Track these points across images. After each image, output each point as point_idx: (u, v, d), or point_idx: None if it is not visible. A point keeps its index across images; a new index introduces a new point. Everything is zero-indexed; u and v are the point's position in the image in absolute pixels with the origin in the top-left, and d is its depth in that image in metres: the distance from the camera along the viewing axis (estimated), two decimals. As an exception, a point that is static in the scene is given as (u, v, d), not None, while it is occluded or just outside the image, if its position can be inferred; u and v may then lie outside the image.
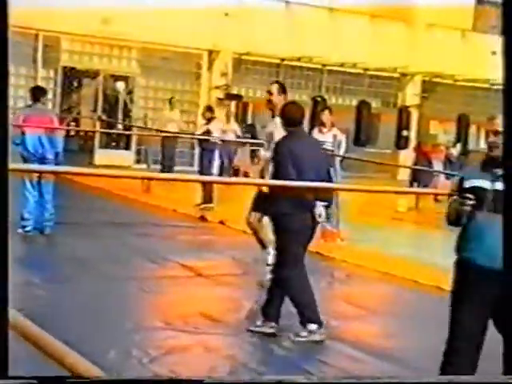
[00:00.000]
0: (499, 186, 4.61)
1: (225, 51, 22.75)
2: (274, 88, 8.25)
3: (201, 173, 15.54)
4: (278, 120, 8.09)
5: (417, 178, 17.35)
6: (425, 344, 6.50)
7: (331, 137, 12.35)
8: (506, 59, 2.70)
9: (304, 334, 6.47)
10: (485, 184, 4.65)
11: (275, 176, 6.65)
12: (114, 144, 22.81)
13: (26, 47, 20.59)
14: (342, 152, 12.15)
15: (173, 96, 20.41)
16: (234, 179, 15.56)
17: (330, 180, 6.83)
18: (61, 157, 10.61)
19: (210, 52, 22.92)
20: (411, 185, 17.15)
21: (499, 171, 4.60)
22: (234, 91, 23.16)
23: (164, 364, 5.69)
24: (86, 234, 10.80)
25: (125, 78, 22.60)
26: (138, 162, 22.19)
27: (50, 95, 19.17)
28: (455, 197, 4.70)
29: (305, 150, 6.65)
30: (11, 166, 2.47)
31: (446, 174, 16.94)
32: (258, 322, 6.64)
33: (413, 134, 25.13)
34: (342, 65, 24.51)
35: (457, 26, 24.84)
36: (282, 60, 23.82)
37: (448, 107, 25.53)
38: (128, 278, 8.37)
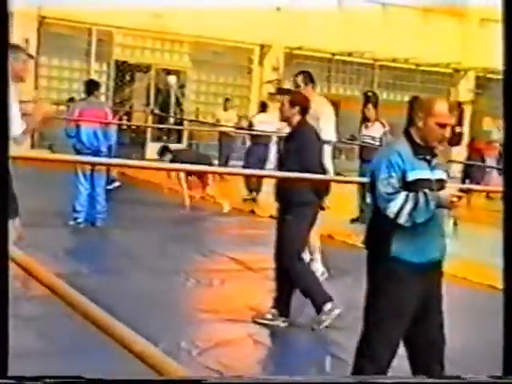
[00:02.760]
0: (439, 175, 4.48)
1: (276, 46, 22.74)
2: (300, 80, 7.96)
3: (246, 167, 15.58)
4: (322, 109, 8.02)
5: (469, 174, 17.12)
6: (477, 342, 6.43)
7: (376, 131, 12.32)
8: (506, 52, 2.63)
9: (324, 317, 6.45)
10: (429, 174, 4.42)
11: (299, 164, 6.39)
12: (165, 138, 22.95)
13: (79, 41, 20.82)
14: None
15: (228, 98, 20.17)
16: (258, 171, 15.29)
17: None
18: (113, 150, 10.73)
19: (262, 46, 22.93)
20: (463, 182, 16.92)
21: (434, 160, 4.47)
22: (286, 86, 23.13)
23: (212, 356, 5.71)
24: (137, 226, 10.88)
25: (176, 72, 22.71)
26: (189, 155, 22.28)
27: (102, 89, 19.35)
28: (431, 193, 4.30)
29: (317, 138, 6.73)
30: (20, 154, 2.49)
31: (499, 169, 16.69)
32: (269, 315, 6.61)
33: (466, 131, 24.83)
34: (393, 60, 24.34)
35: None
36: (334, 55, 23.73)
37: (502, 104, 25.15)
38: (177, 270, 8.41)
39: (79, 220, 10.50)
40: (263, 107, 16.34)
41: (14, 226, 6.25)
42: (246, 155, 15.81)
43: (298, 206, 6.51)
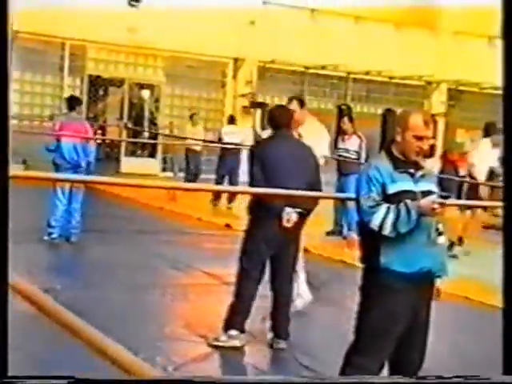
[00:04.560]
0: (423, 186, 4.50)
1: (250, 59, 22.78)
2: (295, 105, 8.02)
3: (218, 179, 16.07)
4: (317, 131, 8.01)
5: (442, 186, 17.22)
6: (449, 354, 6.44)
7: (353, 144, 12.40)
8: (505, 65, 2.66)
9: (223, 338, 6.38)
10: (412, 186, 4.45)
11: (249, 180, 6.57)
12: (139, 152, 22.90)
13: (52, 56, 20.74)
14: (362, 159, 12.15)
15: (194, 112, 19.96)
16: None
17: (318, 187, 6.62)
18: (92, 166, 10.67)
19: (236, 60, 22.97)
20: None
21: (419, 172, 4.51)
22: (259, 99, 23.19)
23: (188, 372, 5.68)
24: (112, 241, 10.82)
25: (150, 87, 22.69)
26: (164, 169, 22.25)
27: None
28: (412, 202, 4.33)
29: (282, 154, 6.43)
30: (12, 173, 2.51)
31: (472, 183, 16.78)
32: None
33: (439, 143, 24.98)
34: (367, 73, 24.47)
35: (483, 32, 24.70)
36: (307, 68, 23.82)
37: (475, 115, 25.36)
38: (153, 285, 8.38)
39: (54, 235, 10.41)
40: (232, 120, 17.24)
41: None
42: (217, 167, 16.48)
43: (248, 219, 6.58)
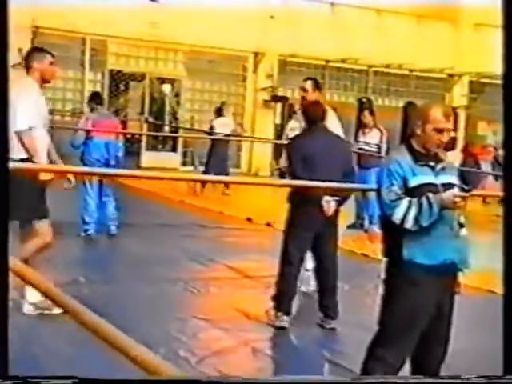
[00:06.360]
0: (444, 179, 4.52)
1: (270, 53, 22.77)
2: (309, 85, 8.15)
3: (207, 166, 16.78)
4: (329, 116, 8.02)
5: (464, 179, 17.14)
6: (473, 347, 6.42)
7: (373, 137, 12.36)
8: (505, 55, 2.64)
9: (277, 323, 6.77)
10: (433, 179, 4.47)
11: (288, 171, 7.09)
12: (160, 146, 22.96)
13: (73, 51, 20.83)
14: (383, 152, 12.10)
15: (224, 101, 20.00)
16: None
17: (352, 178, 7.03)
18: (120, 161, 10.67)
19: (256, 54, 22.96)
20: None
21: (439, 165, 4.52)
22: (280, 93, 23.18)
23: (211, 365, 5.70)
24: (133, 235, 10.86)
25: (171, 81, 22.74)
26: (184, 164, 22.32)
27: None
28: (434, 196, 4.34)
29: (319, 146, 6.78)
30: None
31: (494, 175, 16.74)
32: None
33: (461, 135, 24.87)
34: (387, 66, 24.38)
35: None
36: (328, 61, 23.77)
37: (497, 108, 25.19)
38: (175, 279, 8.40)
39: (90, 232, 10.39)
40: (220, 111, 17.43)
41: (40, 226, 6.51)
42: (208, 156, 17.00)
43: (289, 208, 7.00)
